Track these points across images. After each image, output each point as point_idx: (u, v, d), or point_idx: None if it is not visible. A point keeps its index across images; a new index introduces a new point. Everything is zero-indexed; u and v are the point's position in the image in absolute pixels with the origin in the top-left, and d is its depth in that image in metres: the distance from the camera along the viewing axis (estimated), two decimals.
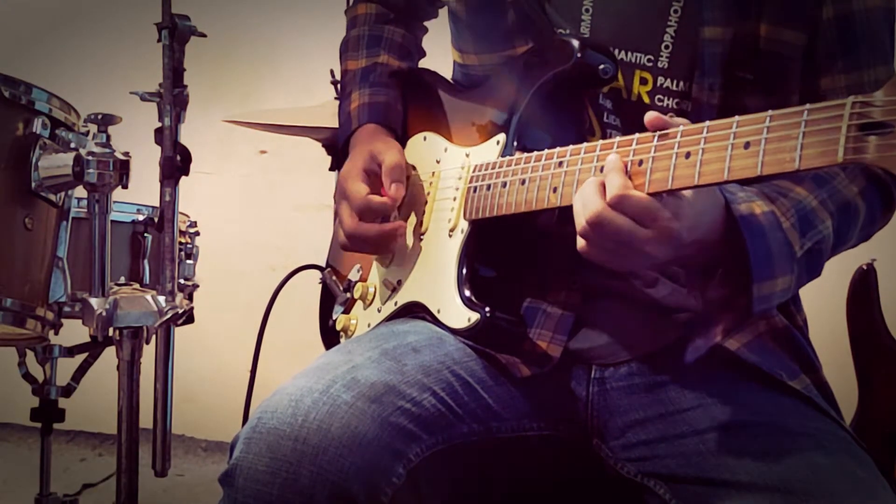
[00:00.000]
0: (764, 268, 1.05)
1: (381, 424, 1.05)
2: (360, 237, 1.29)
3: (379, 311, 1.34)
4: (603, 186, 1.01)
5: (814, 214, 1.12)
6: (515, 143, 1.21)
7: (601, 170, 1.03)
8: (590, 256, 1.04)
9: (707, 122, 0.95)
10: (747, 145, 0.91)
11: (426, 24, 1.57)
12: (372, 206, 1.27)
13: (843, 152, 0.83)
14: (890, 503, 1.05)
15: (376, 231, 1.28)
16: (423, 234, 1.30)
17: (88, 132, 1.57)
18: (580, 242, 1.04)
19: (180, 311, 1.58)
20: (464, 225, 1.23)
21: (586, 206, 1.01)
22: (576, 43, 1.17)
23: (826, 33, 1.19)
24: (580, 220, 1.02)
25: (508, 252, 1.24)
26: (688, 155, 0.95)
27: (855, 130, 0.82)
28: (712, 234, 1.04)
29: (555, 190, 1.09)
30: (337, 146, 1.48)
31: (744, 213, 1.05)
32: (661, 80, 1.20)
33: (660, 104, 1.20)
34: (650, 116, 1.00)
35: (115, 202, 1.58)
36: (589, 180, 1.03)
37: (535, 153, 1.14)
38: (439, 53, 1.51)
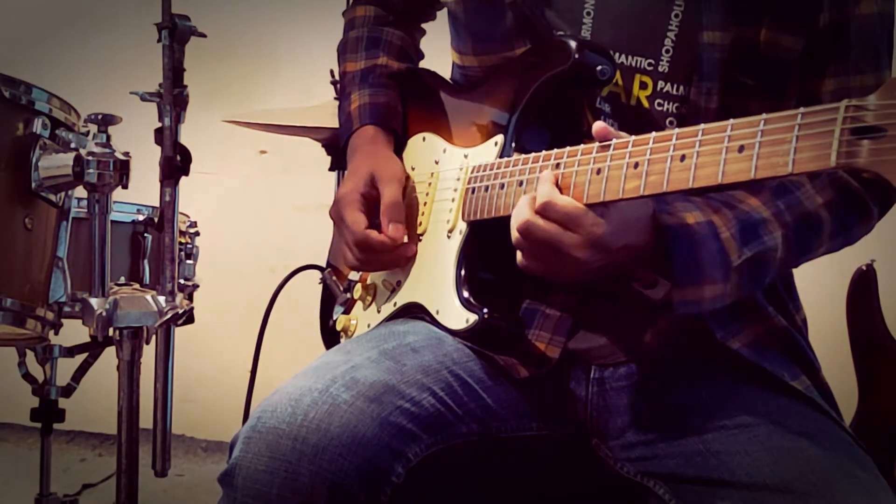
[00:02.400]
0: (688, 275, 1.07)
1: (381, 424, 1.05)
2: (370, 262, 1.29)
3: (378, 311, 1.34)
4: (534, 200, 1.05)
5: (762, 225, 1.12)
6: (513, 145, 1.21)
7: (597, 172, 1.03)
8: (528, 269, 1.08)
9: (702, 126, 0.95)
10: (741, 149, 0.91)
11: (424, 25, 1.57)
12: (370, 242, 1.26)
13: (835, 156, 0.83)
14: (890, 503, 1.06)
15: (389, 257, 1.28)
16: (421, 235, 1.30)
17: (88, 132, 1.57)
18: (518, 256, 1.08)
19: (180, 312, 1.58)
20: (462, 226, 1.23)
21: (517, 217, 1.06)
22: (573, 44, 1.17)
23: (821, 39, 1.19)
24: (513, 232, 1.07)
25: (507, 253, 1.23)
26: (683, 158, 0.96)
27: (848, 134, 0.82)
28: (641, 241, 1.06)
29: None
30: (337, 146, 1.48)
31: (670, 223, 1.06)
32: (660, 84, 1.20)
33: (659, 108, 1.20)
34: (597, 127, 1.03)
35: (115, 202, 1.58)
36: (523, 197, 1.08)
37: (533, 154, 1.13)
38: (438, 55, 1.51)
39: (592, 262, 1.05)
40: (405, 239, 1.28)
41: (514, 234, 1.07)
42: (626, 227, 1.05)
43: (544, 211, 1.04)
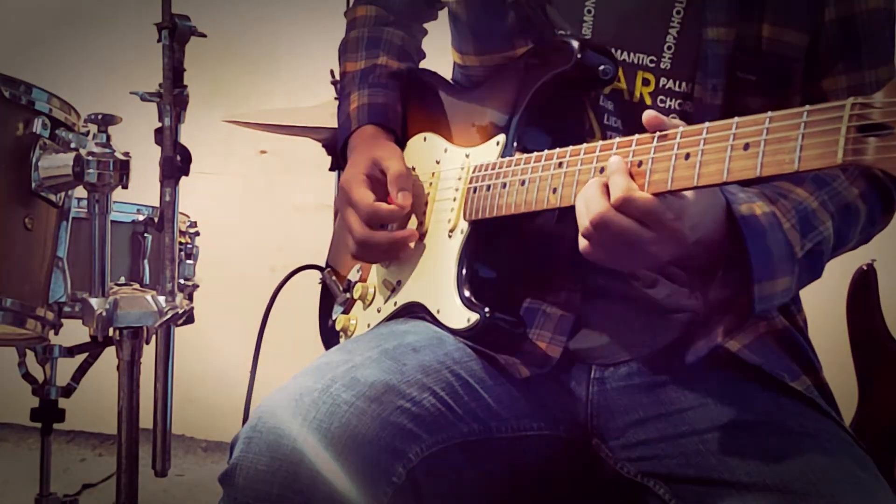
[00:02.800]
0: (764, 268, 1.05)
1: (381, 424, 1.05)
2: (371, 245, 1.28)
3: (378, 311, 1.34)
4: (606, 187, 1.00)
5: (814, 216, 1.12)
6: (515, 144, 1.21)
7: (601, 170, 1.03)
8: (591, 257, 1.04)
9: (707, 124, 0.95)
10: (747, 146, 0.91)
11: (425, 26, 1.57)
12: (380, 212, 1.26)
13: (842, 154, 0.83)
14: (890, 503, 1.05)
15: (387, 239, 1.28)
16: (423, 234, 1.30)
17: (88, 132, 1.57)
18: (582, 243, 1.03)
19: (180, 311, 1.58)
20: (463, 225, 1.23)
21: (590, 207, 1.01)
22: (576, 44, 1.17)
23: (828, 35, 1.19)
24: (583, 221, 1.02)
25: (508, 253, 1.24)
26: (687, 156, 0.95)
27: (854, 132, 0.82)
28: (714, 234, 1.04)
29: (554, 191, 1.09)
30: (336, 147, 1.48)
31: (744, 214, 1.05)
32: (663, 80, 1.20)
33: (662, 105, 1.20)
34: (648, 115, 1.00)
35: (115, 202, 1.58)
36: (591, 181, 1.03)
37: (535, 154, 1.14)
38: (439, 55, 1.51)
39: (665, 256, 1.02)
40: (412, 228, 1.27)
41: (585, 224, 1.02)
42: (702, 222, 1.02)
43: (623, 206, 0.99)
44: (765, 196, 1.10)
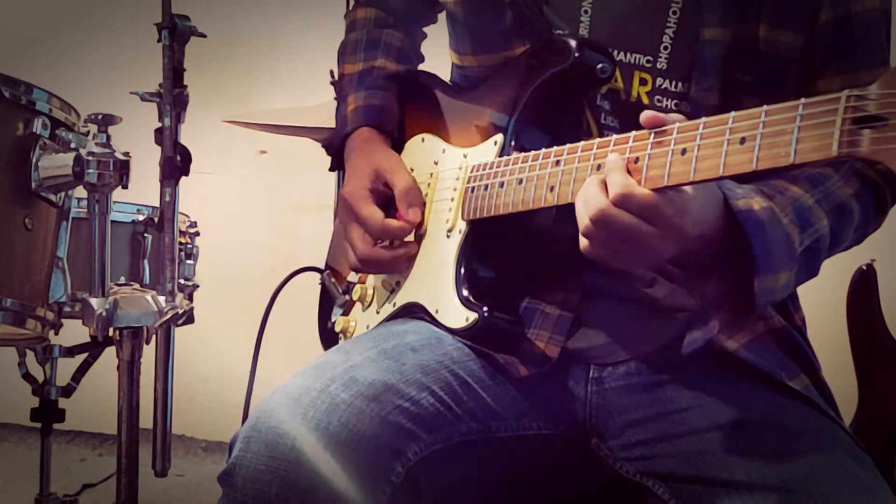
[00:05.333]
0: (766, 262, 1.04)
1: (380, 423, 1.05)
2: (374, 261, 1.29)
3: (377, 312, 1.34)
4: (605, 184, 1.00)
5: (810, 212, 1.12)
6: (513, 144, 1.21)
7: (598, 168, 1.03)
8: (592, 255, 1.03)
9: (703, 119, 0.95)
10: (743, 140, 0.91)
11: (425, 29, 1.57)
12: (391, 230, 1.26)
13: (837, 146, 0.83)
14: (889, 503, 1.05)
15: (390, 256, 1.28)
16: (421, 234, 1.30)
17: (88, 132, 1.57)
18: (583, 242, 1.03)
19: (180, 312, 1.58)
20: (462, 225, 1.23)
21: (589, 204, 1.01)
22: (573, 42, 1.17)
23: (823, 35, 1.19)
24: (583, 219, 1.02)
25: (506, 252, 1.24)
26: (684, 151, 0.96)
27: (849, 124, 0.82)
28: (713, 229, 1.03)
29: (552, 189, 1.09)
30: (333, 148, 1.48)
31: (742, 209, 1.04)
32: (659, 80, 1.20)
33: (658, 105, 1.20)
34: (646, 115, 1.00)
35: (115, 202, 1.58)
36: (590, 179, 1.03)
37: (532, 153, 1.14)
38: (438, 56, 1.51)
39: (667, 252, 1.02)
40: (411, 236, 1.28)
41: (585, 222, 1.01)
42: (703, 216, 1.02)
43: (623, 202, 0.99)
44: (762, 192, 1.09)
